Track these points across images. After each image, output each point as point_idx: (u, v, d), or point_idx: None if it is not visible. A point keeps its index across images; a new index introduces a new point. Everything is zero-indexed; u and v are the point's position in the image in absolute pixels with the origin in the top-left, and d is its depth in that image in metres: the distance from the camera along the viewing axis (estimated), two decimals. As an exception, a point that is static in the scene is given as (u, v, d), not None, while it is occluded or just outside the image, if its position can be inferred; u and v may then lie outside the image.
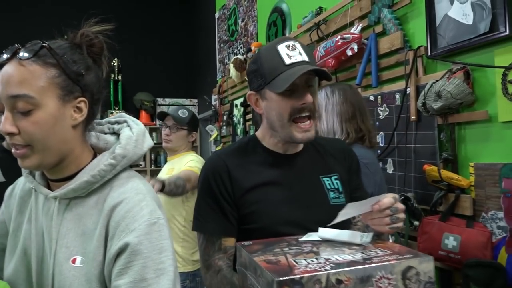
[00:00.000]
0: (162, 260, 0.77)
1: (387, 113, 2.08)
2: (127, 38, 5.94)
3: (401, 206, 0.94)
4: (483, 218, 1.65)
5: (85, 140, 0.90)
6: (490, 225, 1.62)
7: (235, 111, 3.96)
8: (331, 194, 1.13)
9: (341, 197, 1.14)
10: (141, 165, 5.79)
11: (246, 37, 3.93)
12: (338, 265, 0.75)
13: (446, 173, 1.73)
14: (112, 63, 5.85)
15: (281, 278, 0.68)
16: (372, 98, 2.16)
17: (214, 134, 4.48)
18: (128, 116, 0.97)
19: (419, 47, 1.90)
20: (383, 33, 2.11)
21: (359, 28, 2.19)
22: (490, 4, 1.58)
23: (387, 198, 0.92)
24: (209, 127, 4.63)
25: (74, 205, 0.84)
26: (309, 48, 1.10)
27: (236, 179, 1.10)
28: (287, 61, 1.03)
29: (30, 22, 5.55)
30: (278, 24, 3.28)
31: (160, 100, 6.00)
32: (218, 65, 4.77)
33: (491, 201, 1.62)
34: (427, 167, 1.78)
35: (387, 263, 0.76)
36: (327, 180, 1.15)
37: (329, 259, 0.79)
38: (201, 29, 5.68)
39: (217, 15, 4.78)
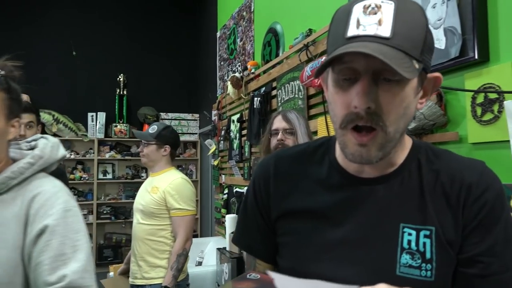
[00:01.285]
0: (77, 238, 0.92)
1: (368, 132, 2.14)
2: (133, 54, 6.12)
3: None
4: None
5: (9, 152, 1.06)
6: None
7: (232, 127, 4.05)
8: (404, 259, 0.68)
9: (423, 268, 0.67)
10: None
11: (243, 56, 4.05)
12: None
13: (420, 192, 1.78)
14: (118, 78, 6.01)
15: None
16: (354, 117, 2.23)
17: (213, 148, 4.57)
18: (44, 135, 1.13)
19: (397, 70, 1.97)
20: (366, 55, 2.19)
21: (343, 50, 2.27)
22: (460, 30, 1.66)
23: None
24: (208, 141, 4.73)
25: None
26: (421, 18, 0.65)
27: (278, 192, 0.80)
28: (351, 31, 0.63)
29: (37, 38, 5.74)
30: (272, 44, 3.39)
31: (163, 115, 6.12)
32: (218, 81, 4.89)
33: (462, 220, 1.66)
34: (402, 186, 1.83)
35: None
36: (409, 235, 0.69)
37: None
38: (203, 47, 5.83)
39: (218, 34, 4.92)
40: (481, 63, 1.60)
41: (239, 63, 4.15)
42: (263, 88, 3.39)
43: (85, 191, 5.79)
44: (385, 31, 0.61)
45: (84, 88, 5.88)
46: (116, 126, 5.88)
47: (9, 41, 5.53)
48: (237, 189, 3.83)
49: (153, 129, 2.49)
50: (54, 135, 5.54)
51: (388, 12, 0.62)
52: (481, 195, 0.68)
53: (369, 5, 0.63)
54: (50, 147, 1.08)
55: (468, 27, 1.62)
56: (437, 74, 0.73)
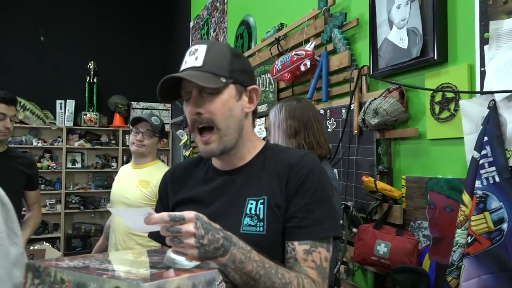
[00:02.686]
0: None
1: (335, 126, 2.22)
2: (104, 41, 6.00)
3: (186, 229, 0.77)
4: (411, 227, 1.79)
5: None
6: (417, 233, 1.76)
7: (204, 118, 4.07)
8: (246, 220, 0.95)
9: (258, 225, 0.94)
10: (112, 166, 5.82)
11: (216, 47, 4.05)
12: (76, 268, 0.76)
13: (381, 185, 1.86)
14: (88, 66, 5.89)
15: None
16: (322, 111, 2.30)
17: (184, 138, 4.57)
18: None
19: (363, 67, 2.04)
20: (334, 52, 2.25)
21: (313, 45, 2.33)
22: (422, 31, 1.73)
23: (159, 214, 0.78)
24: (179, 132, 4.72)
25: None
26: (226, 51, 0.98)
27: (172, 190, 1.12)
28: (182, 67, 0.99)
29: (5, 22, 5.55)
30: (245, 37, 3.41)
31: (134, 104, 6.05)
32: (191, 72, 4.86)
33: (419, 212, 1.76)
34: (365, 178, 1.91)
35: (98, 275, 0.71)
36: (252, 204, 0.96)
37: (88, 264, 0.79)
38: (176, 36, 5.78)
39: (191, 24, 4.89)
40: (440, 63, 1.68)
41: (212, 54, 4.15)
42: (235, 80, 3.41)
43: (53, 180, 5.68)
44: (198, 62, 0.95)
45: (53, 75, 5.73)
46: (85, 114, 5.77)
47: (-28, 24, 5.33)
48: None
49: (156, 120, 2.40)
50: (21, 122, 5.39)
51: (201, 51, 0.96)
52: (299, 171, 0.96)
53: (191, 50, 0.98)
54: None
55: (429, 28, 1.70)
56: (254, 86, 1.02)
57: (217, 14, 4.05)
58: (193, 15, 4.90)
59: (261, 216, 0.94)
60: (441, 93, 1.67)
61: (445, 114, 1.65)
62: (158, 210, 1.14)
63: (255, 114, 1.08)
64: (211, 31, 4.20)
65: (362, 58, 2.12)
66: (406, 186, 1.82)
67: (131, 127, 2.40)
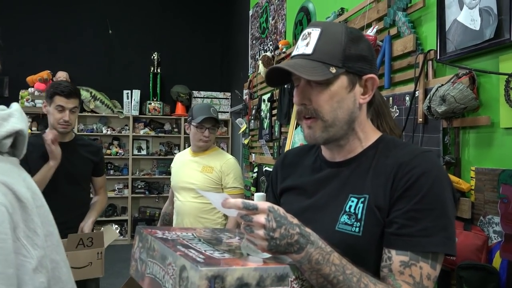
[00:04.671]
0: None
1: (397, 114, 2.12)
2: (167, 33, 6.19)
3: (257, 219, 0.75)
4: (480, 222, 1.67)
5: None
6: (486, 229, 1.65)
7: (263, 106, 4.07)
8: (343, 218, 0.89)
9: (355, 225, 0.87)
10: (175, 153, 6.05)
11: (275, 35, 4.02)
12: (166, 239, 0.81)
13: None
14: (152, 57, 6.11)
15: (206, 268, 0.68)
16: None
17: (243, 127, 4.62)
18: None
19: (429, 51, 1.93)
20: (398, 36, 2.15)
21: (375, 30, 2.23)
22: (496, 11, 1.60)
23: (234, 200, 0.77)
24: (239, 120, 4.77)
25: None
26: (341, 36, 0.89)
27: (281, 176, 1.10)
28: (293, 52, 0.94)
29: (75, 17, 5.89)
30: (304, 23, 3.35)
31: (195, 93, 6.21)
32: (250, 61, 4.89)
33: (489, 206, 1.64)
34: (429, 169, 1.81)
35: (175, 251, 0.75)
36: (353, 201, 0.90)
37: (178, 238, 0.84)
38: (236, 26, 5.81)
39: (250, 12, 4.90)
40: (517, 45, 1.54)
41: (271, 42, 4.13)
42: (294, 68, 3.37)
43: (121, 166, 6.01)
44: (309, 49, 0.89)
45: (120, 66, 6.02)
46: (150, 103, 6.02)
47: (48, 22, 5.71)
48: (267, 168, 3.87)
49: (215, 112, 2.49)
50: (92, 111, 5.73)
51: (314, 36, 0.89)
52: (409, 171, 0.85)
53: (304, 34, 0.92)
54: None
55: (505, 7, 1.56)
56: (371, 75, 0.92)
57: (276, 1, 4.01)
58: (252, 4, 4.90)
59: (359, 216, 0.87)
60: (517, 78, 1.53)
61: (522, 100, 1.52)
62: (268, 196, 1.13)
63: (372, 104, 0.99)
64: (270, 18, 4.18)
65: (428, 42, 1.99)
66: (476, 178, 1.70)
67: (193, 121, 2.46)
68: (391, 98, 2.17)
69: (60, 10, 5.80)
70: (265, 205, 0.76)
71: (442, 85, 1.77)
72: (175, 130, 6.19)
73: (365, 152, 0.95)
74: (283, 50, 3.60)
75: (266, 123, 3.96)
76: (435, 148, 1.88)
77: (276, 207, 0.77)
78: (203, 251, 0.78)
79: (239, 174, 2.56)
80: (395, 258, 0.82)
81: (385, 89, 2.20)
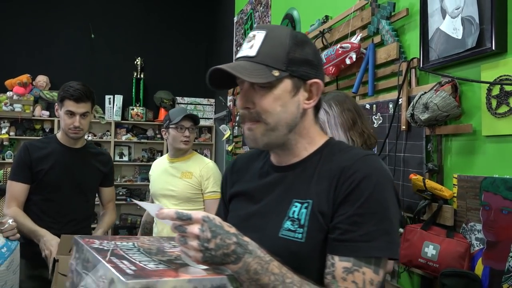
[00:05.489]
0: None
1: (381, 121, 2.13)
2: (150, 38, 6.13)
3: (191, 230, 0.73)
4: (463, 229, 1.68)
5: None
6: (469, 236, 1.65)
7: (247, 113, 4.06)
8: (286, 224, 0.87)
9: (298, 231, 0.85)
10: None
11: (260, 41, 4.03)
12: (100, 250, 0.79)
13: (430, 183, 1.76)
14: (135, 62, 6.05)
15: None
16: (368, 106, 2.21)
17: (227, 133, 4.59)
18: None
19: (412, 59, 1.94)
20: (381, 44, 2.16)
21: (359, 37, 2.24)
22: (478, 20, 1.62)
23: (168, 210, 0.76)
24: (222, 126, 4.75)
25: None
26: (286, 39, 0.88)
27: (231, 181, 1.08)
28: (238, 54, 0.91)
29: (56, 20, 5.79)
30: (289, 30, 3.36)
31: (179, 99, 6.15)
32: (234, 67, 4.87)
33: (471, 213, 1.65)
34: (412, 176, 1.82)
35: (105, 263, 0.73)
36: (296, 207, 0.88)
37: (116, 247, 0.82)
38: (220, 32, 5.81)
39: (235, 19, 4.90)
40: (498, 54, 1.56)
41: (255, 49, 4.13)
42: (278, 75, 3.37)
43: (102, 172, 5.90)
44: (252, 52, 0.87)
45: (102, 71, 5.94)
46: (133, 109, 5.94)
47: (28, 24, 5.61)
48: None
49: (194, 113, 2.48)
50: (73, 116, 5.63)
51: (259, 38, 0.88)
52: (350, 176, 0.83)
53: (249, 36, 0.90)
54: None
55: (486, 17, 1.58)
56: (316, 80, 0.90)
57: (261, 8, 4.02)
58: (237, 10, 4.90)
59: (302, 222, 0.85)
60: (498, 86, 1.55)
61: (503, 109, 1.53)
62: (220, 202, 1.14)
63: (319, 109, 0.96)
64: (255, 25, 4.18)
65: (411, 50, 2.01)
66: (458, 185, 1.71)
67: (172, 123, 2.42)
68: (374, 106, 2.18)
69: (40, 13, 5.70)
70: (199, 214, 0.74)
71: (425, 92, 1.78)
72: (158, 136, 6.12)
73: (310, 157, 0.93)
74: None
75: (250, 129, 3.95)
76: (418, 155, 1.89)
77: (211, 216, 0.76)
78: (137, 262, 0.75)
79: (219, 178, 2.50)
80: (338, 264, 0.81)
81: (369, 96, 2.21)
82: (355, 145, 1.54)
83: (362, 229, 0.80)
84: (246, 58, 0.87)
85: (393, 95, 2.04)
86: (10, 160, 5.05)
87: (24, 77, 5.28)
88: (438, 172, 1.80)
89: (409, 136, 1.95)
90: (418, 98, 1.79)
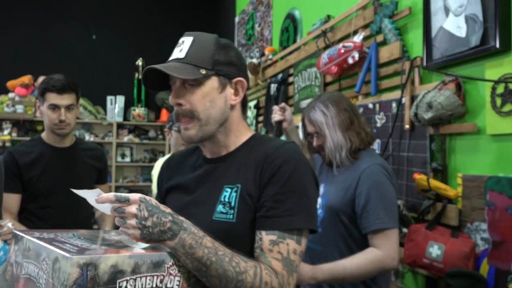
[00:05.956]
0: None
1: (384, 121, 2.11)
2: (152, 39, 6.13)
3: (129, 210, 0.81)
4: (468, 229, 1.67)
5: None
6: (474, 236, 1.64)
7: (249, 113, 4.05)
8: (219, 208, 0.97)
9: (229, 213, 0.95)
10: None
11: (261, 42, 4.02)
12: (41, 238, 0.84)
13: (435, 183, 1.75)
14: (137, 63, 6.05)
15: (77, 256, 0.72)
16: (370, 105, 2.20)
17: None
18: None
19: (415, 58, 1.93)
20: (384, 43, 2.15)
21: (361, 37, 2.23)
22: (482, 18, 1.61)
23: (106, 194, 0.82)
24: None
25: None
26: (211, 44, 1.00)
27: (166, 177, 1.15)
28: (169, 58, 1.02)
29: (57, 21, 5.80)
30: (290, 30, 3.35)
31: (180, 100, 6.15)
32: (236, 67, 4.86)
33: (476, 213, 1.64)
34: (417, 176, 1.80)
35: (48, 246, 0.78)
36: (227, 192, 0.98)
37: (56, 237, 0.87)
38: (222, 32, 5.80)
39: (237, 19, 4.89)
40: (503, 52, 1.55)
41: (257, 49, 4.12)
42: (280, 75, 3.37)
43: (104, 173, 5.89)
44: (182, 54, 0.98)
45: (103, 72, 5.94)
46: (134, 110, 5.94)
47: (30, 26, 5.61)
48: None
49: None
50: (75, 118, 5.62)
51: (187, 43, 1.00)
52: (272, 161, 0.96)
53: (179, 42, 1.02)
54: None
55: (490, 14, 1.57)
56: (240, 78, 1.02)
57: (262, 8, 4.01)
58: (238, 11, 4.89)
59: (233, 204, 0.96)
60: (503, 84, 1.54)
61: (508, 107, 1.52)
62: (156, 197, 1.19)
63: (246, 106, 1.08)
64: (256, 25, 4.17)
65: (414, 49, 2.00)
66: (463, 185, 1.69)
67: (175, 125, 2.31)
68: (377, 105, 2.16)
69: (42, 14, 5.70)
70: (136, 196, 0.82)
71: (429, 91, 1.77)
72: (160, 136, 6.11)
73: (239, 148, 1.04)
74: (269, 57, 3.59)
75: (252, 130, 3.93)
76: (422, 154, 1.87)
77: (148, 198, 0.83)
78: (79, 245, 0.80)
79: None
80: (265, 238, 0.91)
81: (372, 95, 2.19)
82: (353, 146, 1.52)
83: (284, 205, 0.92)
84: (176, 60, 0.98)
85: (396, 94, 2.03)
86: (12, 162, 5.05)
87: (26, 78, 5.28)
88: (442, 171, 1.79)
89: (412, 136, 1.93)
90: (422, 97, 1.77)
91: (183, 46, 0.99)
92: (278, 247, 0.90)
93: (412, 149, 1.93)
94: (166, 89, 1.04)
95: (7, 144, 5.17)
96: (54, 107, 1.89)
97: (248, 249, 0.93)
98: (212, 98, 0.98)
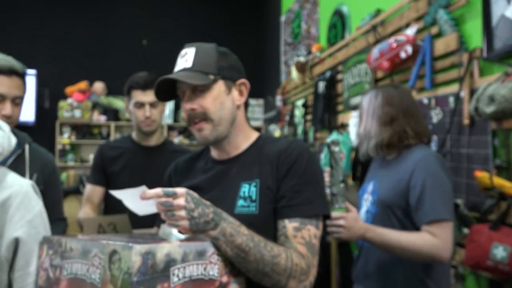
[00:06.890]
0: None
1: (441, 116, 2.02)
2: (198, 41, 6.25)
3: (177, 202, 0.86)
4: (537, 229, 1.56)
5: None
6: (544, 237, 1.53)
7: (297, 112, 4.03)
8: (240, 202, 1.04)
9: (251, 206, 1.03)
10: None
11: (308, 40, 3.98)
12: (82, 239, 0.89)
13: (499, 181, 1.65)
14: (185, 65, 6.19)
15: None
16: (425, 101, 2.11)
17: (277, 133, 4.58)
18: None
19: (474, 49, 1.83)
20: (439, 35, 2.06)
21: (414, 29, 2.15)
22: (549, 3, 1.50)
23: (154, 189, 0.87)
24: (272, 126, 4.74)
25: None
26: (213, 51, 1.10)
27: (175, 182, 1.19)
28: (175, 69, 1.10)
29: (110, 30, 6.05)
30: (338, 27, 3.29)
31: (228, 101, 6.22)
32: (282, 66, 4.85)
33: (546, 212, 1.53)
34: (478, 174, 1.71)
35: (100, 241, 0.83)
36: (245, 187, 1.05)
37: (94, 238, 0.94)
38: (267, 32, 5.80)
39: (283, 18, 4.87)
40: None
41: (304, 47, 4.09)
42: (328, 72, 3.32)
43: (156, 174, 6.07)
44: (188, 64, 1.07)
45: (154, 75, 6.12)
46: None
47: (86, 34, 5.90)
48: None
49: None
50: (128, 120, 5.85)
51: (191, 53, 1.09)
52: (287, 156, 1.05)
53: (182, 53, 1.11)
54: (7, 139, 1.04)
55: (560, -1, 1.46)
56: (243, 80, 1.12)
57: (309, 5, 3.97)
58: (284, 10, 4.88)
59: (254, 198, 1.04)
60: None
61: None
62: None
63: (247, 107, 1.17)
64: (303, 23, 4.14)
65: (473, 39, 1.90)
66: (530, 182, 1.59)
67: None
68: (433, 100, 2.08)
69: (96, 22, 5.97)
70: (182, 189, 0.88)
71: (490, 84, 1.67)
72: (209, 137, 6.23)
73: (249, 148, 1.12)
74: (317, 55, 3.55)
75: (300, 129, 3.91)
76: (483, 151, 1.77)
77: (191, 191, 0.90)
78: (128, 240, 0.85)
79: None
80: (288, 225, 1.00)
81: (427, 90, 2.11)
82: (385, 141, 1.52)
83: (303, 195, 1.02)
84: (184, 69, 1.07)
85: (453, 88, 1.94)
86: (72, 164, 5.34)
87: (83, 84, 5.55)
88: (507, 168, 1.68)
89: (472, 131, 1.84)
90: (483, 90, 1.68)
91: (187, 57, 1.08)
92: (301, 233, 0.99)
93: (473, 145, 1.83)
94: (172, 99, 1.14)
95: (67, 147, 5.46)
96: (139, 105, 1.89)
97: (271, 237, 1.00)
98: (221, 100, 1.07)
